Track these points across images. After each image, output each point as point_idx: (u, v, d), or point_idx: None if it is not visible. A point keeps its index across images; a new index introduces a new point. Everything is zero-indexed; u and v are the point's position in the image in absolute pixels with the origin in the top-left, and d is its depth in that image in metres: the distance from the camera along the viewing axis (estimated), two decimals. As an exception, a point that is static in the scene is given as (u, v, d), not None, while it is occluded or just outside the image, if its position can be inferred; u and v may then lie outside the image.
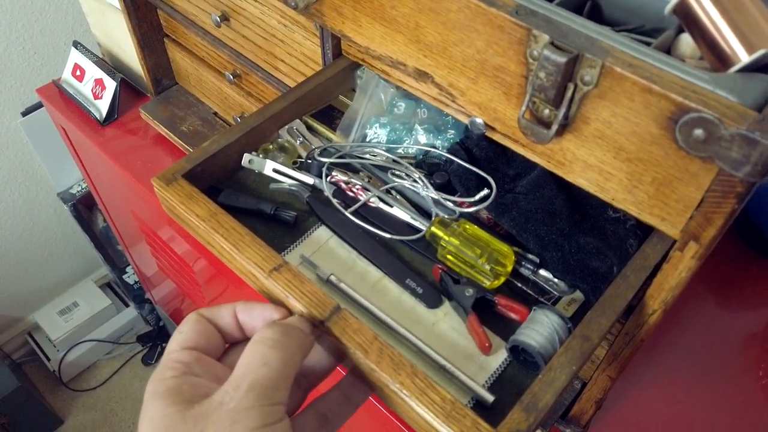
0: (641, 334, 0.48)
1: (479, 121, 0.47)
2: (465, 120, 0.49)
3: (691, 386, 0.70)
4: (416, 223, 0.52)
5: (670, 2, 0.38)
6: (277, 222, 0.53)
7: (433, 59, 0.46)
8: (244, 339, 0.37)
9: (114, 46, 0.99)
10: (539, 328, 0.43)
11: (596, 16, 0.46)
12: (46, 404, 1.67)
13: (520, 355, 0.45)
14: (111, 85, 0.95)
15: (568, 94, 0.38)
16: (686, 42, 0.40)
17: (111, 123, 0.97)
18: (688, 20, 0.37)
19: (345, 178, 0.55)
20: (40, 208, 1.58)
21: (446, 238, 0.50)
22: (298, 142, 0.58)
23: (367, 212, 0.53)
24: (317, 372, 0.40)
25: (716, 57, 0.37)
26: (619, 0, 0.44)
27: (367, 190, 0.54)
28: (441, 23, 0.43)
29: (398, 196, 0.55)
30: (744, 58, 0.35)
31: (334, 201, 0.53)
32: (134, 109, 0.98)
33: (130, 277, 1.69)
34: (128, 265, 1.64)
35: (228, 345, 0.37)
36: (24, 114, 1.33)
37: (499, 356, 0.45)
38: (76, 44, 1.00)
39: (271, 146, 0.57)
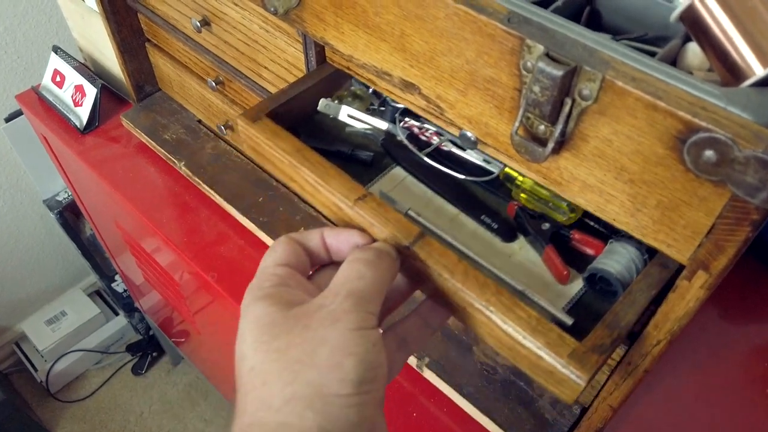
0: (645, 365, 0.44)
1: (470, 135, 0.44)
2: (456, 133, 0.45)
3: (696, 403, 0.67)
4: (488, 166, 0.56)
5: (676, 8, 0.35)
6: (354, 162, 0.57)
7: (420, 69, 0.43)
8: (330, 262, 0.39)
9: (95, 50, 0.96)
10: (617, 257, 0.46)
11: (596, 23, 0.42)
12: (34, 416, 1.63)
13: (596, 284, 0.47)
14: (91, 91, 0.91)
15: (565, 109, 0.35)
16: (694, 52, 0.36)
17: (92, 131, 0.94)
18: (696, 29, 0.34)
19: (418, 124, 0.59)
20: (26, 216, 1.54)
21: (521, 177, 0.53)
22: (370, 90, 0.61)
23: (440, 155, 0.58)
24: (395, 297, 0.42)
25: (727, 69, 0.33)
26: (620, 6, 0.41)
27: (440, 134, 0.58)
28: (428, 31, 0.40)
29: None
30: (759, 71, 0.32)
31: (409, 144, 0.57)
32: (116, 117, 0.95)
33: (119, 285, 1.65)
34: (117, 273, 1.61)
35: (313, 270, 0.39)
36: (7, 120, 1.29)
37: (575, 285, 0.48)
38: (56, 49, 0.97)
39: (344, 93, 0.60)
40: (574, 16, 0.41)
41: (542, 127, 0.37)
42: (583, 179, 0.38)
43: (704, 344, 0.73)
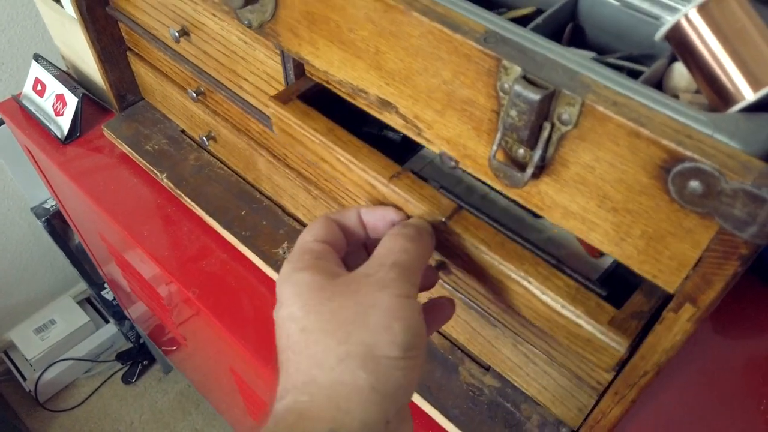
0: (631, 395, 0.43)
1: (450, 155, 0.42)
2: (436, 151, 0.43)
3: (690, 418, 0.65)
4: None
5: (661, 27, 0.33)
6: (383, 142, 0.55)
7: (396, 88, 0.41)
8: (366, 239, 0.41)
9: (77, 59, 0.94)
10: None
11: (579, 40, 0.40)
12: (22, 426, 1.61)
13: None
14: (72, 101, 0.89)
15: (544, 134, 0.33)
16: (680, 73, 0.34)
17: (73, 141, 0.92)
18: (682, 49, 0.32)
19: None
20: (14, 223, 1.52)
21: None
22: None
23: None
24: (423, 282, 0.42)
25: (715, 92, 0.31)
26: (605, 23, 0.39)
27: None
28: (402, 49, 0.38)
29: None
30: (749, 95, 0.30)
31: None
32: (98, 126, 0.93)
33: (109, 292, 1.63)
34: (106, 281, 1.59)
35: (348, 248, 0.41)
36: (-8, 127, 1.27)
37: (608, 259, 0.48)
38: (37, 57, 0.95)
39: None
40: (556, 33, 0.39)
41: (521, 151, 0.35)
42: (565, 205, 0.36)
43: (699, 358, 0.71)
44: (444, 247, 0.43)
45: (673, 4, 0.36)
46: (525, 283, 0.39)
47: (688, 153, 0.28)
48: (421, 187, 0.43)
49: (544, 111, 0.32)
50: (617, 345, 0.37)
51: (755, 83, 0.30)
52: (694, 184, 0.29)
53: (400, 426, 0.32)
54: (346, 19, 0.40)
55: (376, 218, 0.41)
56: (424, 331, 0.34)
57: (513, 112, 0.33)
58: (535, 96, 0.31)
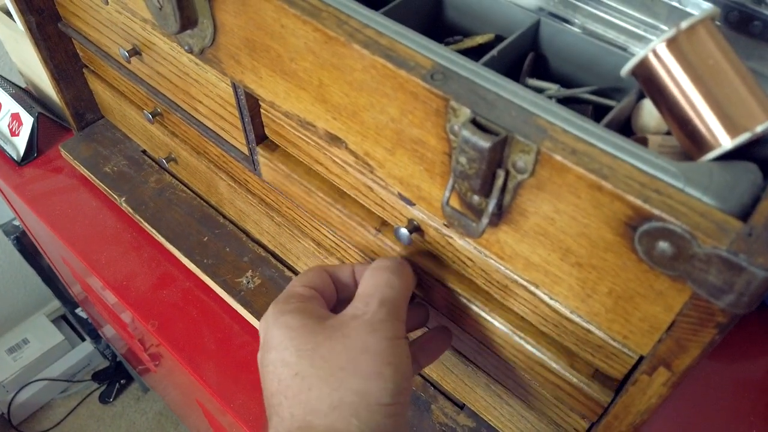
0: (607, 453, 0.39)
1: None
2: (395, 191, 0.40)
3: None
4: None
5: (628, 60, 0.30)
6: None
7: (344, 123, 0.37)
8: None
9: (34, 76, 0.90)
10: None
11: (542, 70, 0.37)
12: (-5, 449, 1.56)
13: None
14: (28, 120, 0.85)
15: (498, 182, 0.30)
16: (650, 112, 0.31)
17: (30, 162, 0.87)
18: (651, 87, 0.29)
19: None
20: (-18, 241, 1.47)
21: None
22: None
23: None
24: (409, 322, 0.42)
25: (688, 137, 0.28)
26: (567, 52, 0.35)
27: None
28: (346, 83, 0.35)
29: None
30: (725, 143, 0.26)
31: None
32: (57, 146, 0.89)
33: (83, 311, 1.58)
34: (80, 299, 1.54)
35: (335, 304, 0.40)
36: (-46, 144, 1.22)
37: None
38: (-8, 74, 0.90)
39: None
40: (515, 63, 0.35)
41: (476, 198, 0.32)
42: (526, 256, 0.33)
43: (689, 382, 0.68)
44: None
45: (641, 33, 0.33)
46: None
47: (656, 211, 0.25)
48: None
49: (496, 159, 0.28)
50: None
51: (732, 128, 0.27)
52: (664, 245, 0.25)
53: None
54: (287, 49, 0.37)
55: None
56: (411, 373, 0.35)
57: (462, 159, 0.29)
58: (485, 143, 0.27)
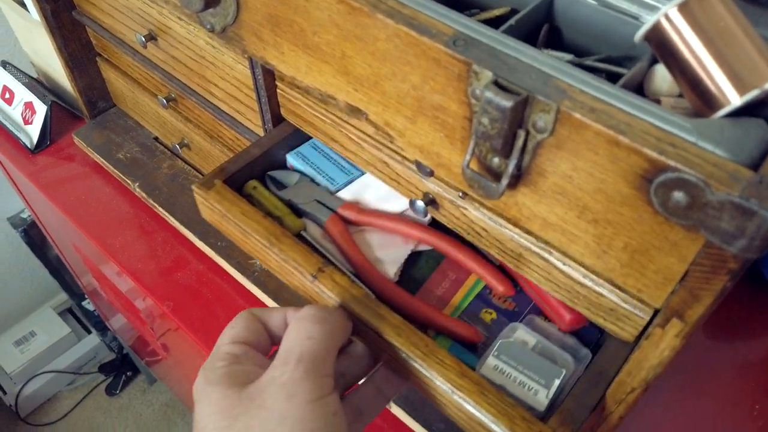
0: (619, 412, 0.41)
1: (424, 165, 0.40)
2: (412, 164, 0.42)
3: (681, 425, 0.64)
4: None
5: (641, 27, 0.31)
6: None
7: (365, 94, 0.39)
8: None
9: (46, 65, 0.91)
10: None
11: (556, 42, 0.38)
12: (3, 441, 1.57)
13: None
14: (41, 109, 0.86)
15: (519, 142, 0.31)
16: (662, 76, 0.32)
17: (43, 150, 0.89)
18: (663, 51, 0.30)
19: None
20: (-10, 234, 1.48)
21: None
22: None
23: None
24: (355, 371, 0.41)
25: (699, 97, 0.29)
26: (582, 23, 0.37)
27: None
28: (369, 54, 0.36)
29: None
30: (735, 100, 0.28)
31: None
32: (70, 134, 0.90)
33: (90, 303, 1.60)
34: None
35: (274, 348, 0.37)
36: (-37, 136, 1.23)
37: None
38: (5, 64, 0.92)
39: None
40: (530, 35, 0.37)
41: (496, 160, 0.33)
42: (544, 217, 0.34)
43: (691, 362, 0.69)
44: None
45: (653, 2, 0.34)
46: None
47: (671, 162, 0.26)
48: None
49: (517, 118, 0.30)
50: None
51: (741, 86, 0.28)
52: (678, 195, 0.27)
53: None
54: (310, 22, 0.38)
55: None
56: (345, 429, 0.32)
57: (485, 120, 0.30)
58: (507, 103, 0.29)
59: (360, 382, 0.41)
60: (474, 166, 0.35)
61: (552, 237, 0.35)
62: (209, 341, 0.70)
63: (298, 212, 0.53)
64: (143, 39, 0.65)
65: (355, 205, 0.54)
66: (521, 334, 0.45)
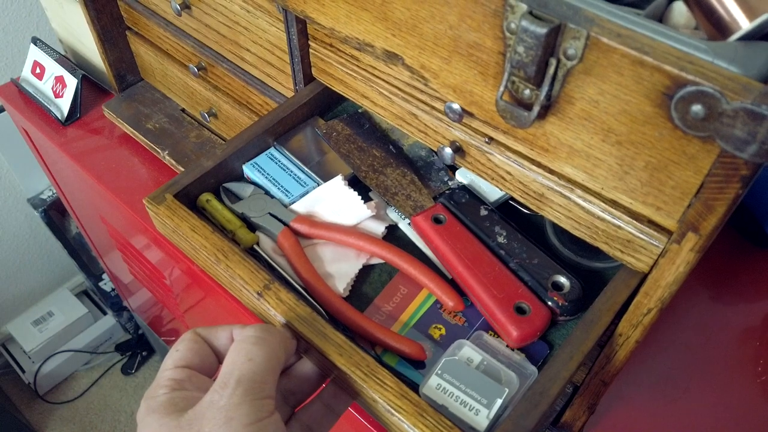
0: (636, 335, 0.44)
1: (455, 106, 0.43)
2: (441, 107, 0.45)
3: (688, 384, 0.66)
4: None
5: (660, -33, 0.34)
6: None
7: (403, 38, 0.42)
8: None
9: (75, 41, 0.94)
10: None
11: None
12: (22, 418, 1.61)
13: None
14: (72, 82, 0.90)
15: (550, 70, 0.34)
16: (679, 11, 0.36)
17: (73, 122, 0.92)
18: (681, -15, 0.33)
19: None
20: (10, 215, 1.52)
21: None
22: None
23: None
24: (304, 389, 0.41)
25: (713, 25, 0.33)
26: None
27: None
28: (409, -3, 0.39)
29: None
30: (744, 24, 0.31)
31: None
32: (98, 108, 0.93)
33: (107, 284, 1.63)
34: (104, 272, 1.59)
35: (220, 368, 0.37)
36: (-12, 116, 1.27)
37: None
38: (36, 40, 0.95)
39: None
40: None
41: (527, 91, 0.36)
42: (570, 144, 0.38)
43: (694, 326, 0.72)
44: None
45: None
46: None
47: (691, 77, 0.30)
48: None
49: (550, 46, 0.33)
50: None
51: (751, 13, 0.31)
52: (696, 107, 0.30)
53: None
54: (353, -28, 0.41)
55: None
56: None
57: (520, 48, 0.34)
58: (541, 30, 0.32)
59: (309, 400, 0.41)
60: (506, 98, 0.38)
61: (577, 164, 0.38)
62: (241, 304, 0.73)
63: (252, 226, 0.52)
64: (178, 7, 0.68)
65: (308, 218, 0.52)
66: (467, 351, 0.43)
